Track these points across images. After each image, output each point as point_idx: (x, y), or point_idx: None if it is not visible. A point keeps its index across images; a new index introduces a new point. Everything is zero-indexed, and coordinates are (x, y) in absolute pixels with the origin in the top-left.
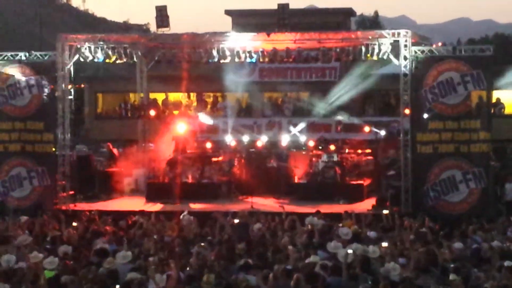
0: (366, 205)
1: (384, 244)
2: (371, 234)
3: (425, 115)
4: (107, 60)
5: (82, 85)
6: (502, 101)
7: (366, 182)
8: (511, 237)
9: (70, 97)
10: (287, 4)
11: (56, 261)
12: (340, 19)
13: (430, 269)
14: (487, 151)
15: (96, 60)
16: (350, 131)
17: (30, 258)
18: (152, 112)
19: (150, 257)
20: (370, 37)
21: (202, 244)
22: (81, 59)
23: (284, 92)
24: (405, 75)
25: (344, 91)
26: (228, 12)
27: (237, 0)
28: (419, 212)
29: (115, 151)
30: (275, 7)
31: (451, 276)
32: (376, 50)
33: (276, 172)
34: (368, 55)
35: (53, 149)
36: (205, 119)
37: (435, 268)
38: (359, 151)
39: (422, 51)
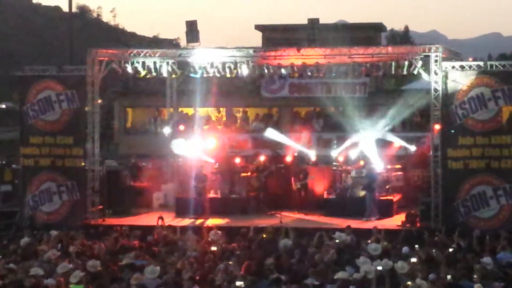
0: (395, 220)
1: (413, 260)
2: (404, 249)
3: (455, 131)
4: (137, 75)
5: (112, 100)
6: None
7: (395, 197)
8: None
9: (99, 112)
10: (317, 19)
11: (80, 275)
12: (370, 34)
13: (459, 285)
14: None
15: (126, 75)
16: (379, 146)
17: (59, 268)
18: (181, 127)
19: (178, 272)
20: (400, 52)
21: (231, 260)
22: (111, 74)
23: (314, 107)
24: (435, 90)
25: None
26: (258, 27)
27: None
28: (449, 228)
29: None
30: (305, 22)
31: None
32: (407, 65)
33: (301, 189)
34: (399, 70)
35: (83, 163)
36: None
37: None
38: (389, 166)
39: (453, 67)
